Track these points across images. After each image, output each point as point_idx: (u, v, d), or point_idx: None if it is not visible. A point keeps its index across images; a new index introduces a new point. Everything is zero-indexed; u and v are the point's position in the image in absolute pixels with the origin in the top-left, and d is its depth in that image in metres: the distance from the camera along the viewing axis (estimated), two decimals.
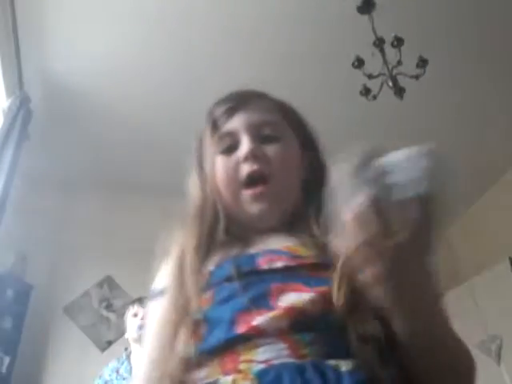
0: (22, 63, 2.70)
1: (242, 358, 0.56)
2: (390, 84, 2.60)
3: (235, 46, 2.94)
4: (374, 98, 2.73)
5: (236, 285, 0.62)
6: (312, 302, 0.58)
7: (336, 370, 0.54)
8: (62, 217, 3.43)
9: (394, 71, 2.62)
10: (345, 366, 0.54)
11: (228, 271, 0.63)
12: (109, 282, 3.52)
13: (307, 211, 0.72)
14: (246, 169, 0.71)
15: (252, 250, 0.68)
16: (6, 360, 2.87)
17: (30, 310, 3.10)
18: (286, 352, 0.55)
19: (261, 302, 0.60)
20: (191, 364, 0.59)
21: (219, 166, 0.74)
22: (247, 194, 0.71)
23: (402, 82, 2.62)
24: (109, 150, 3.44)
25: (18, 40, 2.61)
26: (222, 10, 2.75)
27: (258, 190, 0.71)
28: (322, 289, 0.59)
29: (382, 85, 2.67)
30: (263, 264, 0.64)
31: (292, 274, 0.62)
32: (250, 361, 0.56)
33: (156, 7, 2.70)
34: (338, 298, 0.57)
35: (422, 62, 2.63)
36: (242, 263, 0.65)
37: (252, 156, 0.71)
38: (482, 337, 3.62)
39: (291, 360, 0.55)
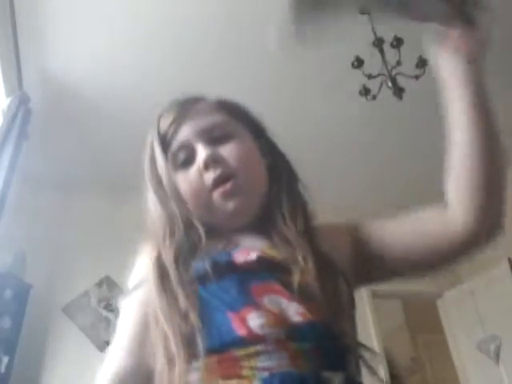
0: (21, 63, 2.70)
1: (244, 363, 0.56)
2: (390, 84, 2.60)
3: (236, 48, 2.94)
4: (374, 98, 2.73)
5: (218, 284, 0.62)
6: (301, 313, 0.59)
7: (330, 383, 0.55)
8: (60, 216, 3.43)
9: (394, 71, 2.62)
10: (337, 379, 0.56)
11: (204, 269, 0.63)
12: (108, 282, 3.51)
13: (274, 202, 0.73)
14: (209, 176, 0.71)
15: (229, 247, 0.68)
16: (5, 360, 2.86)
17: (28, 310, 3.09)
18: (286, 361, 0.55)
19: (245, 300, 0.60)
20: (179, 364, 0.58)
21: (182, 182, 0.73)
22: (218, 193, 0.71)
23: (402, 82, 2.62)
24: (108, 150, 3.44)
25: (18, 39, 2.60)
26: (221, 12, 2.74)
27: (228, 186, 0.70)
28: (306, 301, 0.60)
29: (381, 85, 2.67)
30: (238, 258, 0.65)
31: (268, 272, 0.63)
32: (253, 368, 0.56)
33: (156, 8, 2.70)
34: (326, 305, 0.60)
35: (422, 62, 2.64)
36: (217, 259, 0.65)
37: (212, 162, 0.71)
38: (482, 337, 3.63)
39: (292, 369, 0.55)
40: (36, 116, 2.81)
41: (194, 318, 0.60)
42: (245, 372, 0.55)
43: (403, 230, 0.74)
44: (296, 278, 0.62)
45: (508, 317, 3.53)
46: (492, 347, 3.57)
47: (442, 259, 0.74)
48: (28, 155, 2.70)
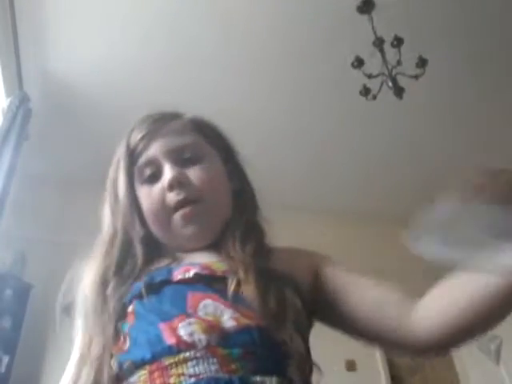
0: (21, 62, 2.70)
1: (173, 371, 0.56)
2: (390, 84, 2.60)
3: (234, 46, 2.94)
4: (374, 97, 2.73)
5: (153, 297, 0.63)
6: (235, 318, 0.59)
7: None
8: (61, 216, 3.43)
9: (394, 71, 2.62)
10: (269, 382, 0.56)
11: (140, 288, 0.64)
12: None
13: (230, 225, 0.73)
14: (173, 197, 0.70)
15: (172, 264, 0.69)
16: (5, 359, 2.86)
17: (29, 310, 3.09)
18: (215, 367, 0.56)
19: (179, 310, 0.61)
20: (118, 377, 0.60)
21: (144, 197, 0.73)
22: (179, 216, 0.70)
23: (402, 81, 2.62)
24: (109, 149, 3.42)
25: (18, 39, 2.61)
26: (220, 9, 2.74)
27: (189, 210, 0.70)
28: (243, 308, 0.60)
29: (381, 85, 2.67)
30: (177, 275, 0.65)
31: (206, 284, 0.63)
32: (181, 374, 0.56)
33: (154, 6, 2.70)
34: (265, 313, 0.60)
35: (422, 62, 2.64)
36: (156, 275, 0.66)
37: (177, 183, 0.70)
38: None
39: (221, 374, 0.55)
40: (36, 116, 2.81)
41: (98, 343, 0.63)
42: (172, 380, 0.56)
43: (363, 298, 0.68)
44: (231, 287, 0.62)
45: (508, 317, 3.53)
46: (492, 347, 3.57)
47: (385, 345, 0.69)
48: (28, 155, 2.70)
